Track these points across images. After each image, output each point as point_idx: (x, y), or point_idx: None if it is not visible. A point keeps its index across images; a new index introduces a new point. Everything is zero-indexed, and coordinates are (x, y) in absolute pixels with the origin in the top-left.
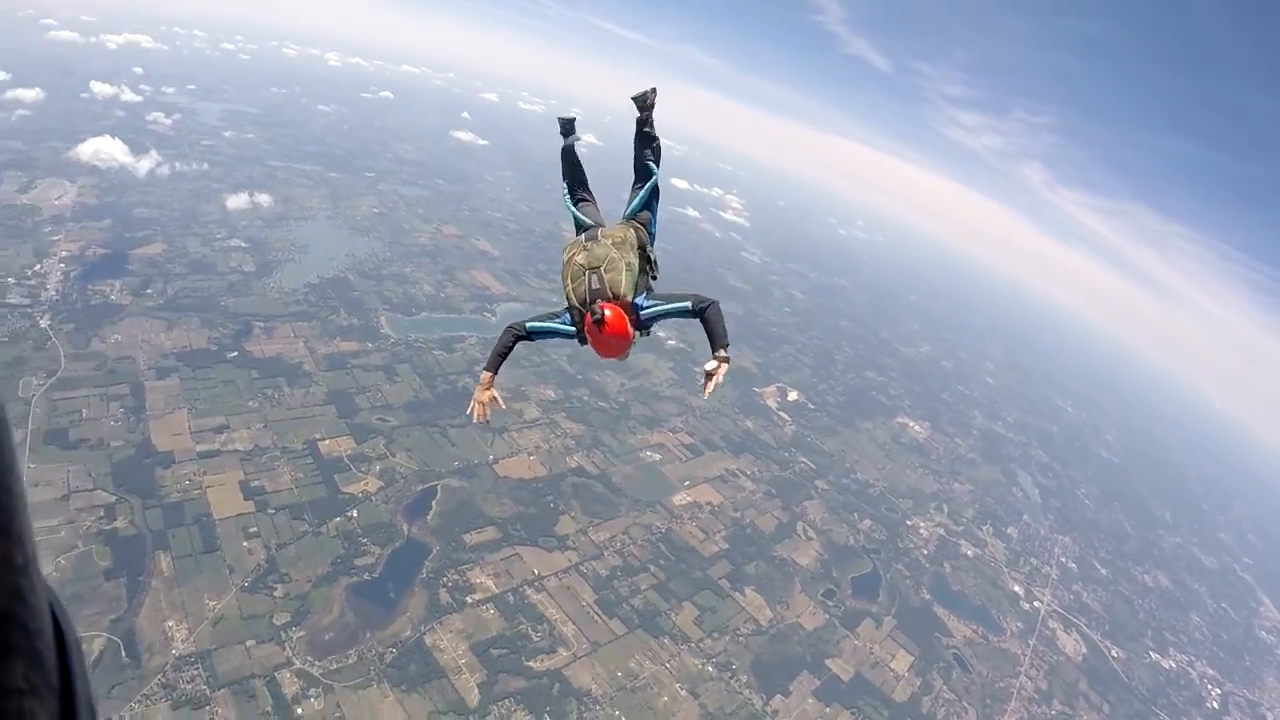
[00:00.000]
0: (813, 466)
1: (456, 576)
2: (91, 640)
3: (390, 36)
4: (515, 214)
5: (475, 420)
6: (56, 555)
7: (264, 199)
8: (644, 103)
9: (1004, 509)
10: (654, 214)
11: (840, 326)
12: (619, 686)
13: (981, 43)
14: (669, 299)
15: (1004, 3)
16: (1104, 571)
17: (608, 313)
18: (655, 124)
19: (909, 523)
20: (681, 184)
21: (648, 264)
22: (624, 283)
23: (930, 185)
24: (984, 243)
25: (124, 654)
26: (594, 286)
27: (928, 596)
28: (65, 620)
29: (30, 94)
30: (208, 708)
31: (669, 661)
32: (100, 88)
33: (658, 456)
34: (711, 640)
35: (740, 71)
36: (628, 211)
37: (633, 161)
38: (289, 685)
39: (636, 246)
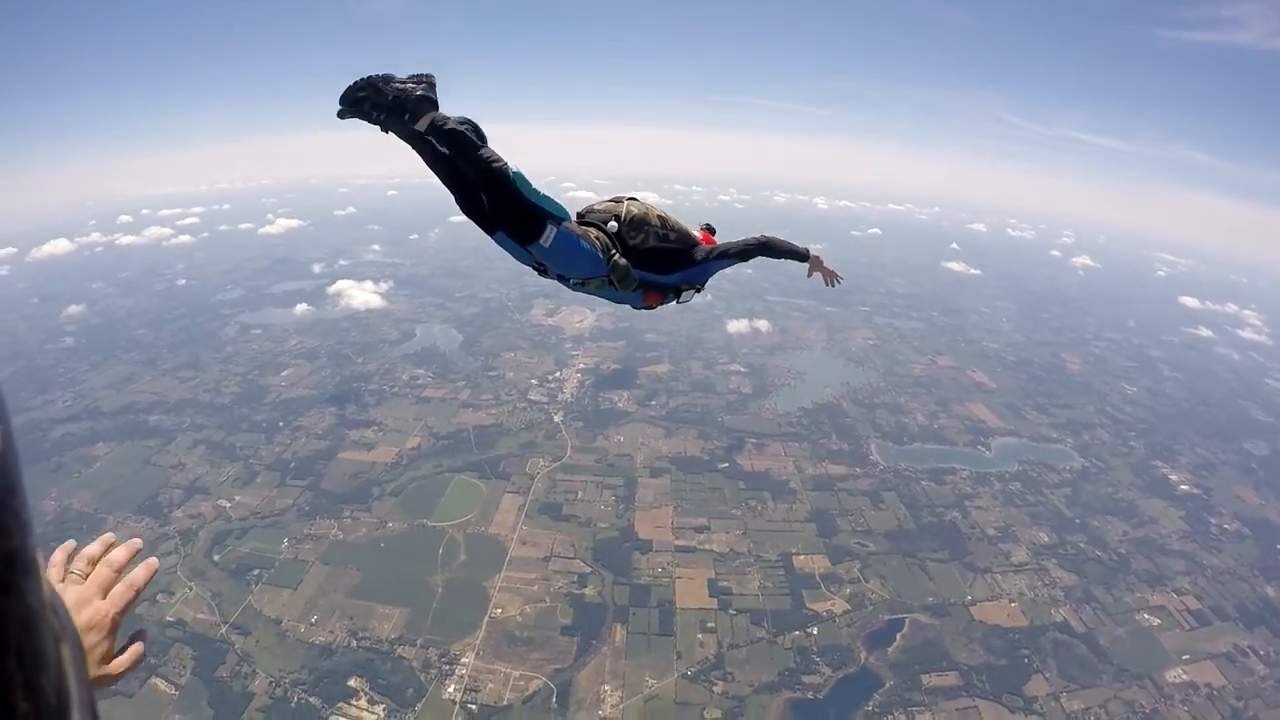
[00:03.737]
0: None
1: (903, 718)
2: (530, 681)
3: (874, 179)
4: (1012, 344)
5: None
6: (524, 603)
7: (762, 324)
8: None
9: None
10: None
11: None
12: None
13: None
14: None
15: None
16: None
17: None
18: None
19: None
20: (1191, 302)
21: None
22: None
23: None
24: None
25: (554, 700)
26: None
27: None
28: (66, 619)
29: None
30: None
31: None
32: None
33: (1156, 621)
34: None
35: (1240, 164)
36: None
37: None
38: None
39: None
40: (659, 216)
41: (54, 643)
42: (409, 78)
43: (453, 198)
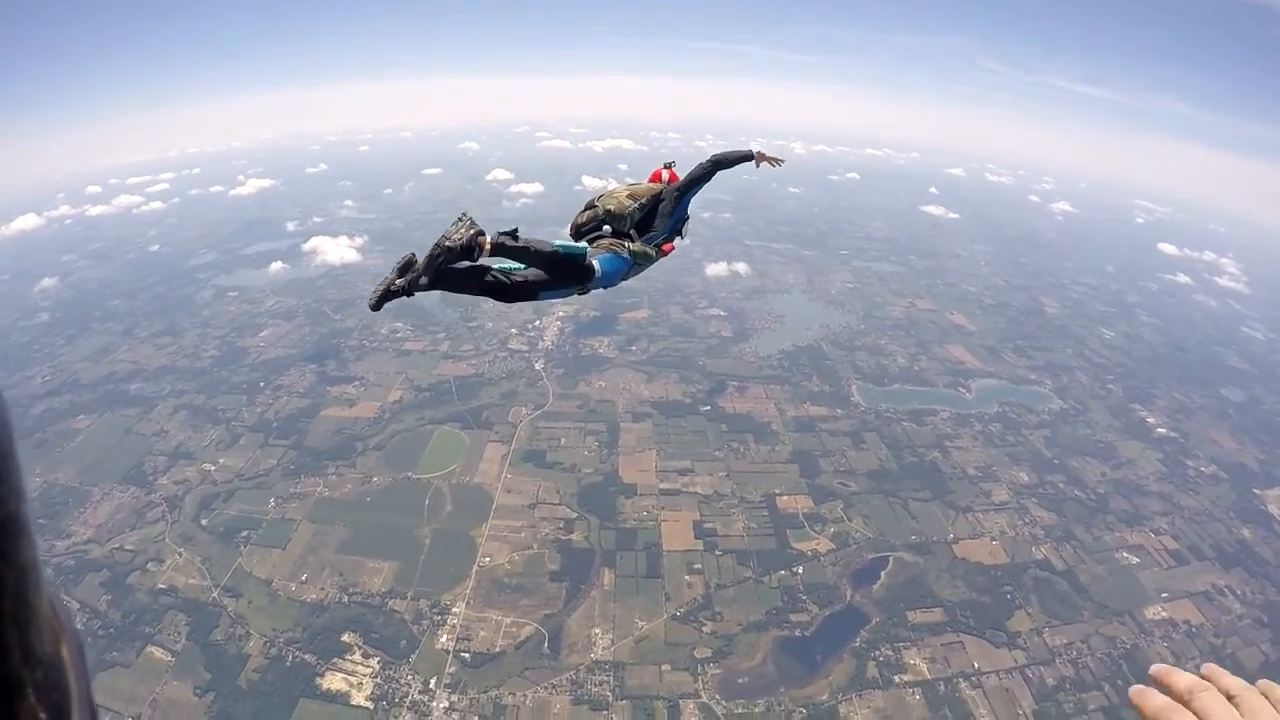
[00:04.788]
0: None
1: (890, 653)
2: (521, 628)
3: (852, 124)
4: (991, 288)
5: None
6: (512, 551)
7: (741, 268)
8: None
9: None
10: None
11: None
12: None
13: None
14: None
15: None
16: None
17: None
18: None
19: None
20: (1169, 249)
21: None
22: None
23: None
24: None
25: (546, 646)
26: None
27: None
28: (66, 618)
29: (531, 188)
30: (605, 712)
31: None
32: (591, 181)
33: (1135, 560)
34: None
35: (1221, 115)
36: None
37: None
38: (688, 715)
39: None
40: (628, 196)
41: (53, 639)
42: (454, 224)
43: (491, 300)
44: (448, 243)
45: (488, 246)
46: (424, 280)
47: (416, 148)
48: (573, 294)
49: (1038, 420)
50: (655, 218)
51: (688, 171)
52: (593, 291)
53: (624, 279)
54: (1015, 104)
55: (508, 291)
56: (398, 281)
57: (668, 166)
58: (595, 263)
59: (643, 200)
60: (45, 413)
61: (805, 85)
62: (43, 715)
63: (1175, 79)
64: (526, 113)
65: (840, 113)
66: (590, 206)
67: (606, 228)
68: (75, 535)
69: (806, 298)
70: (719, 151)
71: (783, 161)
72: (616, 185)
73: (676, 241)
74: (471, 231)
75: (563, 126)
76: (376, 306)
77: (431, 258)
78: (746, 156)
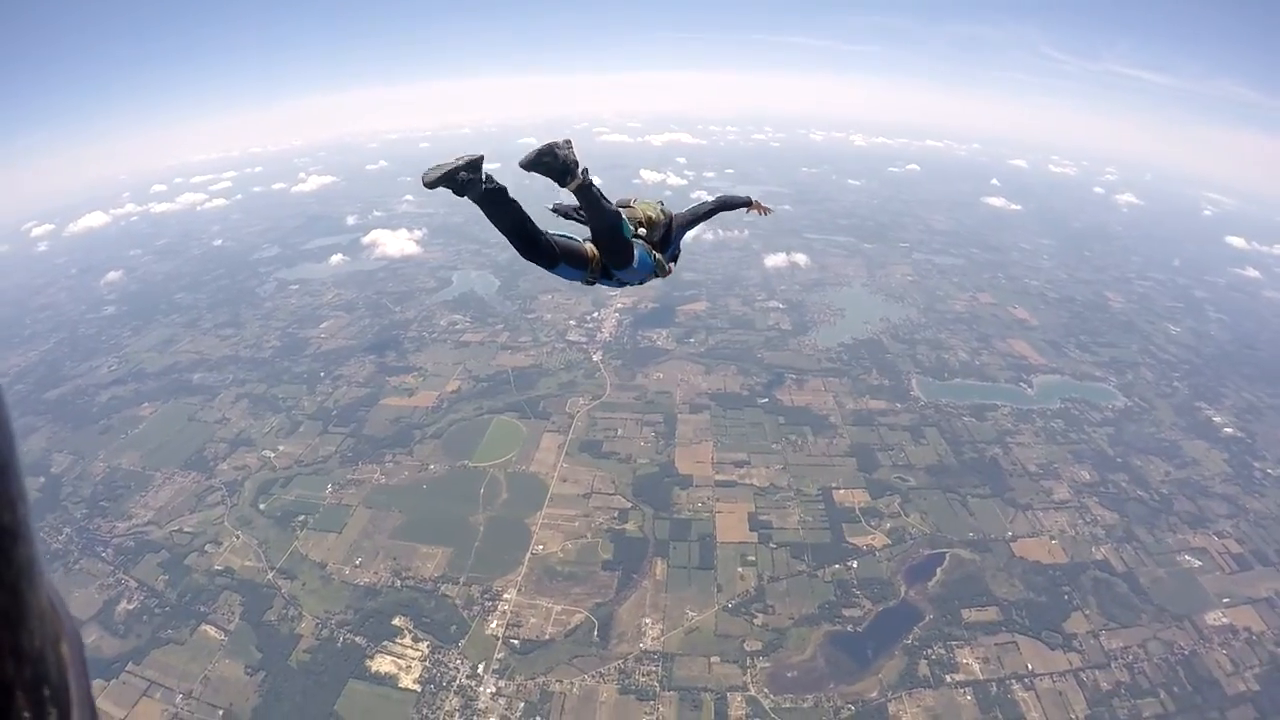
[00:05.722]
0: None
1: (942, 651)
2: (572, 615)
3: (912, 115)
4: (1054, 281)
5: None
6: (566, 540)
7: (800, 259)
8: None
9: None
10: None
11: None
12: None
13: None
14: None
15: None
16: None
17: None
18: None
19: None
20: (1238, 242)
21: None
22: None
23: None
24: None
25: (596, 634)
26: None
27: None
28: (66, 615)
29: None
30: (652, 703)
31: None
32: (649, 174)
33: (1197, 563)
34: None
35: None
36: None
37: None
38: (736, 708)
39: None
40: (661, 211)
41: (51, 637)
42: (564, 141)
43: (514, 247)
44: (557, 150)
45: (580, 178)
46: (482, 188)
47: (475, 144)
48: (582, 280)
49: (1101, 417)
50: (669, 239)
51: (694, 206)
52: (599, 285)
53: (640, 282)
54: (1079, 92)
55: (535, 245)
56: (462, 173)
57: (659, 203)
58: (638, 253)
59: (667, 219)
60: (111, 400)
61: (863, 76)
62: (27, 715)
63: (1241, 64)
64: (584, 109)
65: (899, 104)
66: (626, 206)
67: (642, 230)
68: (136, 517)
69: (866, 290)
70: (724, 194)
71: (772, 210)
72: (644, 199)
73: (671, 266)
74: (576, 157)
75: (621, 121)
76: (432, 185)
77: (538, 154)
78: (746, 202)
